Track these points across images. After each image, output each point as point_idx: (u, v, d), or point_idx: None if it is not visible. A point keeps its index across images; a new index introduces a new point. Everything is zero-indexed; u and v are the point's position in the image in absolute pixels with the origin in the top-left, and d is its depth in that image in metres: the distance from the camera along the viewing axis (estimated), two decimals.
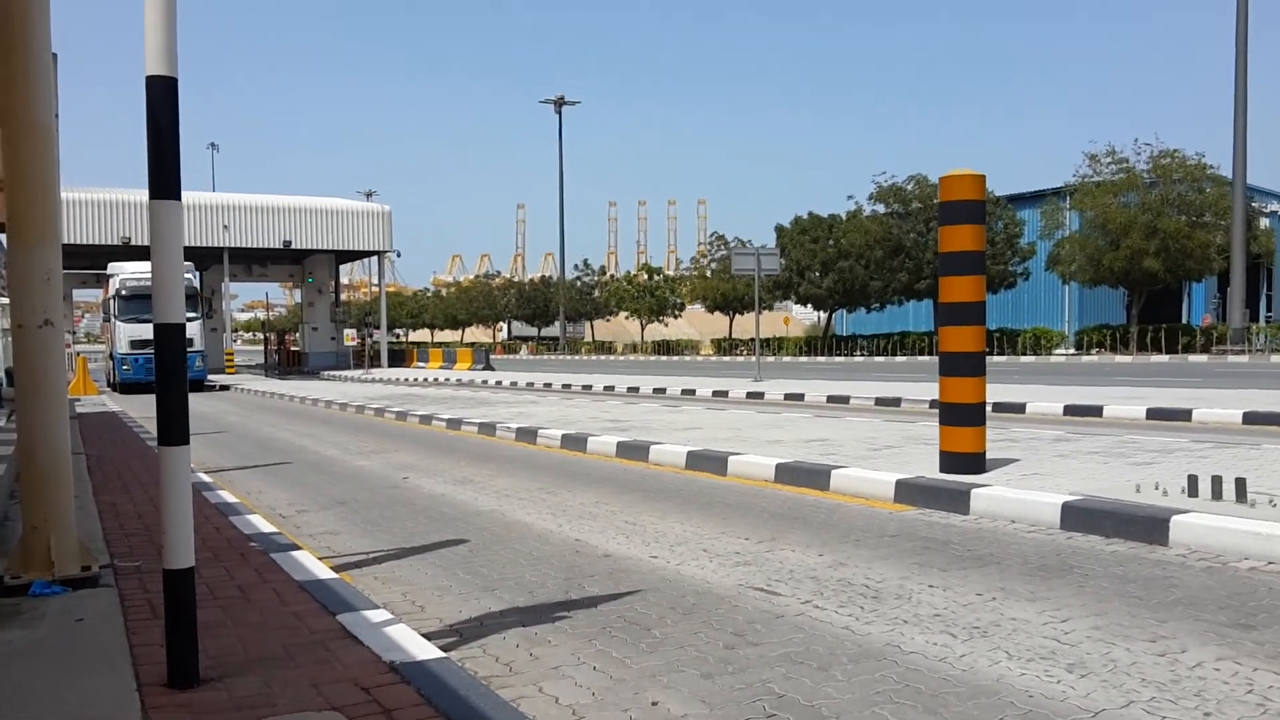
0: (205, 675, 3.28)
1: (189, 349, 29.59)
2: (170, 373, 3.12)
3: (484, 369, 38.88)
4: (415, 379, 33.31)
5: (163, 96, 3.05)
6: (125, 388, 29.42)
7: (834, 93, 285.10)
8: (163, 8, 3.05)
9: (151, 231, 3.07)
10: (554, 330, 74.89)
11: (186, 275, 30.16)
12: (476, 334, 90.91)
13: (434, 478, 9.04)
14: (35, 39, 4.29)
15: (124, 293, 29.90)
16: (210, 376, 35.05)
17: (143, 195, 38.25)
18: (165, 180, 3.05)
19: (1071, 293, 48.63)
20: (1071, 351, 40.45)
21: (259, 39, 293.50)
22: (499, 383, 28.06)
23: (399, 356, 49.83)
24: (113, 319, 30.45)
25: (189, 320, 29.75)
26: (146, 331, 26.40)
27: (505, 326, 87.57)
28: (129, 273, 30.37)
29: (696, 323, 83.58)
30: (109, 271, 31.87)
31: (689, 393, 20.20)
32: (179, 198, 3.10)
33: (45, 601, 4.27)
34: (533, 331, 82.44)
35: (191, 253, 33.55)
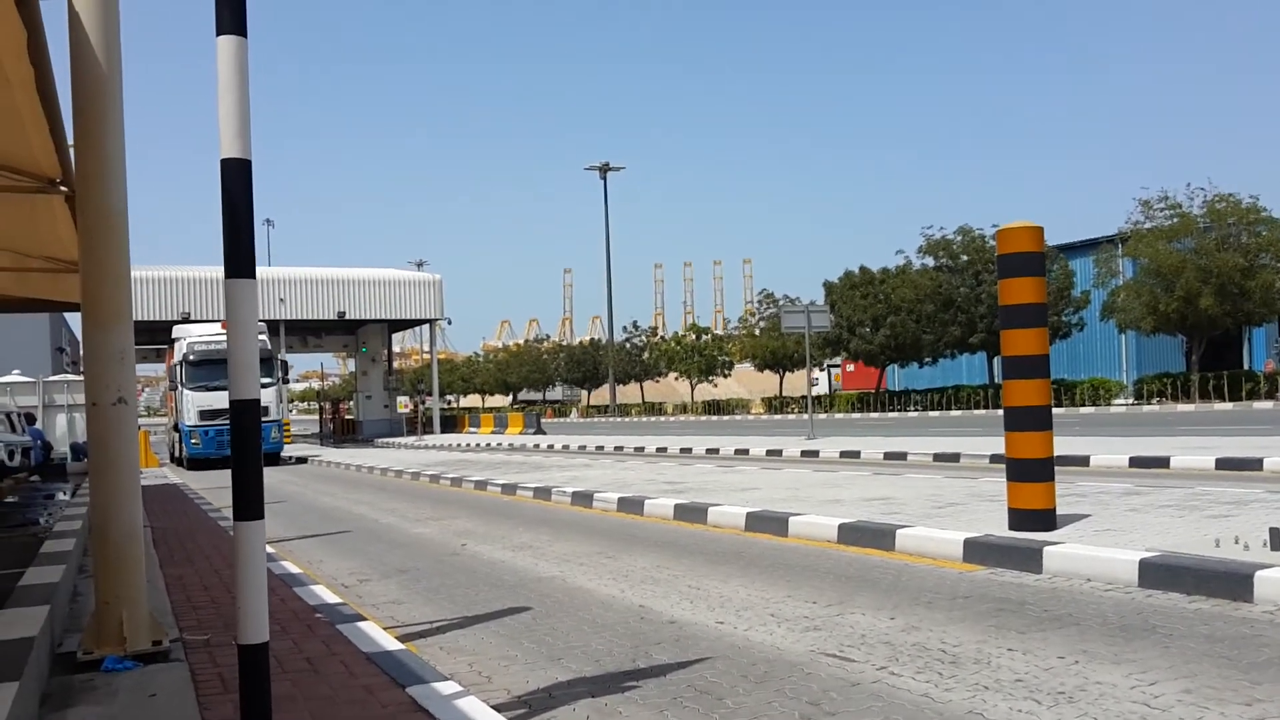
0: None
1: (264, 419, 30.00)
2: (245, 447, 3.15)
3: (535, 433, 38.98)
4: (468, 444, 33.48)
5: (237, 178, 3.12)
6: (195, 463, 26.68)
7: (879, 146, 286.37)
8: (236, 94, 3.14)
9: (228, 309, 3.13)
10: (604, 393, 75.04)
11: (261, 337, 26.32)
12: (527, 397, 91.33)
13: (492, 544, 9.02)
14: (110, 132, 4.43)
15: (192, 358, 27.17)
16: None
17: (201, 271, 39.27)
18: (241, 259, 3.12)
19: (1129, 341, 47.78)
20: (1131, 401, 39.63)
21: (309, 113, 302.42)
22: (550, 446, 28.10)
23: (451, 422, 50.17)
24: (179, 387, 27.77)
25: (264, 387, 26.74)
26: (218, 401, 25.07)
27: (552, 386, 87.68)
28: (196, 336, 27.84)
29: (746, 381, 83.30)
30: (174, 335, 29.42)
31: (742, 452, 20.06)
32: (254, 276, 3.16)
33: (118, 677, 4.29)
34: (580, 394, 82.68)
35: None
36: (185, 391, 27.19)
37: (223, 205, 3.16)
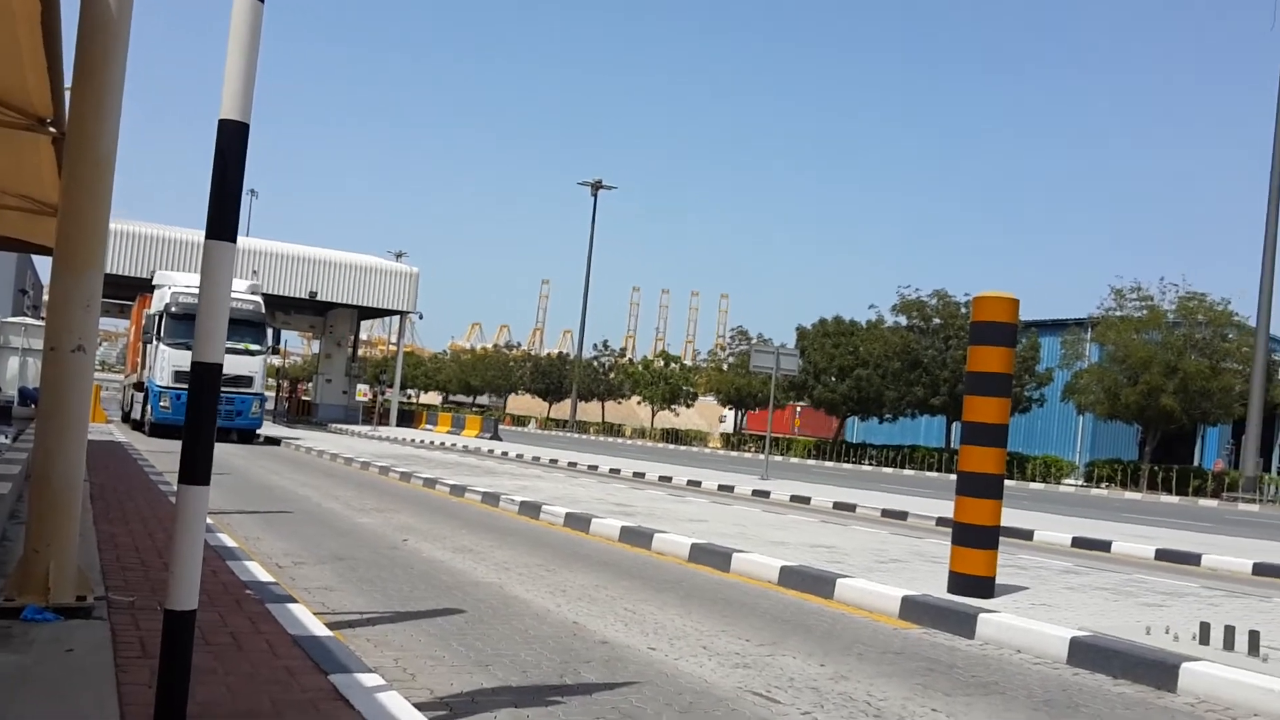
0: None
1: (248, 390, 24.45)
2: (202, 412, 3.12)
3: (491, 438, 38.79)
4: (422, 440, 33.25)
5: (233, 140, 3.11)
6: (159, 430, 23.21)
7: (864, 199, 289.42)
8: (245, 54, 3.13)
9: (204, 271, 3.11)
10: (565, 407, 74.95)
11: (253, 298, 25.46)
12: (487, 402, 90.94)
13: (434, 543, 8.95)
14: (111, 76, 4.40)
15: (174, 309, 23.56)
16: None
17: (175, 231, 38.84)
18: (225, 222, 3.09)
19: (1085, 424, 48.41)
20: (1081, 482, 40.12)
21: (299, 89, 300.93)
22: (505, 453, 27.97)
23: (408, 417, 49.81)
24: (154, 341, 24.15)
25: (252, 354, 24.58)
26: None
27: (516, 393, 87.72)
28: (182, 286, 24.20)
29: (707, 414, 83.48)
30: (155, 283, 26.32)
31: (695, 484, 20.07)
32: (235, 240, 3.14)
33: (36, 627, 4.21)
34: (542, 405, 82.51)
35: None
36: (162, 347, 23.57)
37: (214, 166, 3.14)
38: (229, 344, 27.17)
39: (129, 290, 37.24)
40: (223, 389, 27.69)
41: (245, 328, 24.01)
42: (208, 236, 3.12)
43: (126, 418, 30.17)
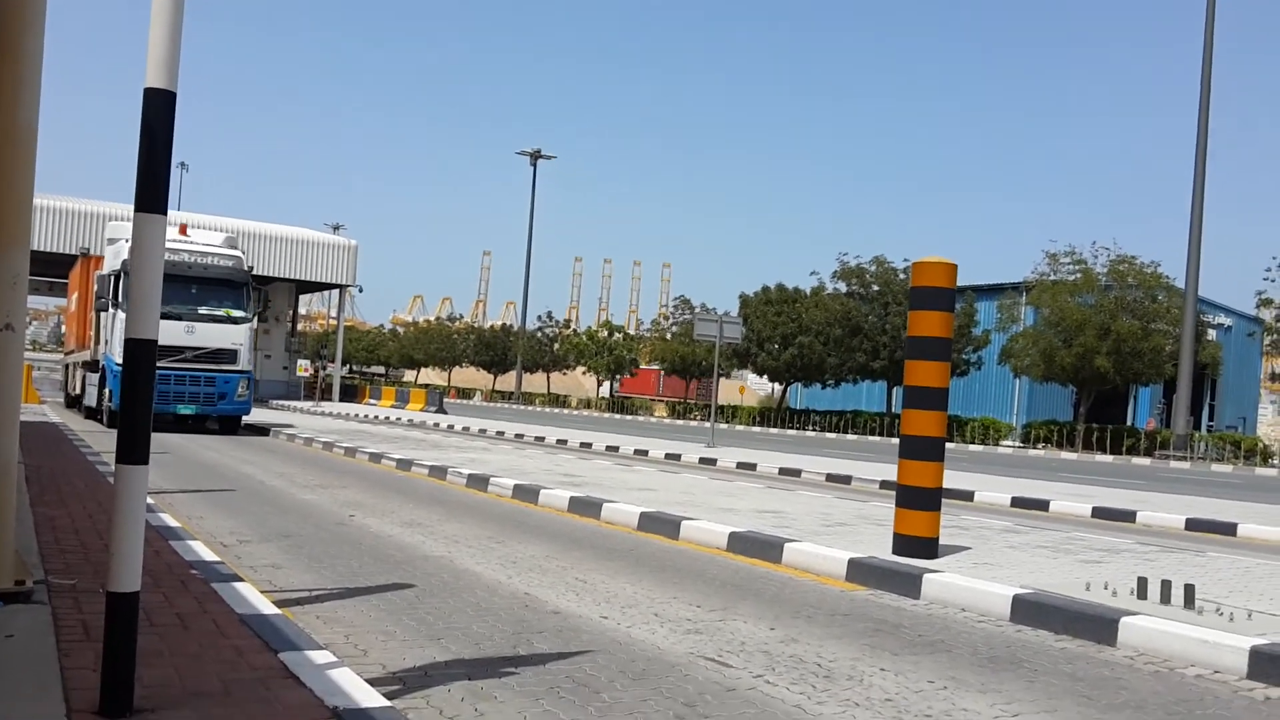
0: (138, 705, 3.14)
1: (231, 367, 19.67)
2: (136, 386, 3.04)
3: (437, 411, 38.56)
4: (366, 415, 32.92)
5: (161, 111, 3.01)
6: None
7: (803, 168, 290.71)
8: (169, 21, 3.03)
9: (134, 245, 3.02)
10: (509, 379, 74.67)
11: (232, 253, 20.69)
12: (430, 376, 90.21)
13: (382, 518, 8.88)
14: (29, 41, 4.23)
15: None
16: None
17: (103, 206, 37.79)
18: (154, 194, 3.00)
19: (1022, 386, 49.37)
20: (1018, 444, 40.97)
21: (233, 60, 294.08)
22: (451, 426, 27.81)
23: (351, 392, 49.28)
24: (111, 308, 19.10)
25: (235, 321, 19.91)
26: (173, 334, 18.59)
27: (460, 366, 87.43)
28: None
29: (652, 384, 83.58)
30: (110, 236, 21.89)
31: (642, 453, 20.13)
32: (165, 212, 3.05)
33: None
34: (487, 378, 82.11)
35: None
36: (122, 315, 17.85)
37: (141, 136, 3.04)
38: (205, 311, 19.70)
39: (57, 267, 36.26)
40: (200, 367, 19.68)
41: (224, 290, 19.94)
42: (137, 209, 3.03)
43: (73, 403, 26.13)
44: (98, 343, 21.24)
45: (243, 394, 20.01)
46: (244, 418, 20.86)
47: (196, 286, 19.50)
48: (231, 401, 19.80)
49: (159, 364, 15.75)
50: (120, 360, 16.20)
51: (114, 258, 19.98)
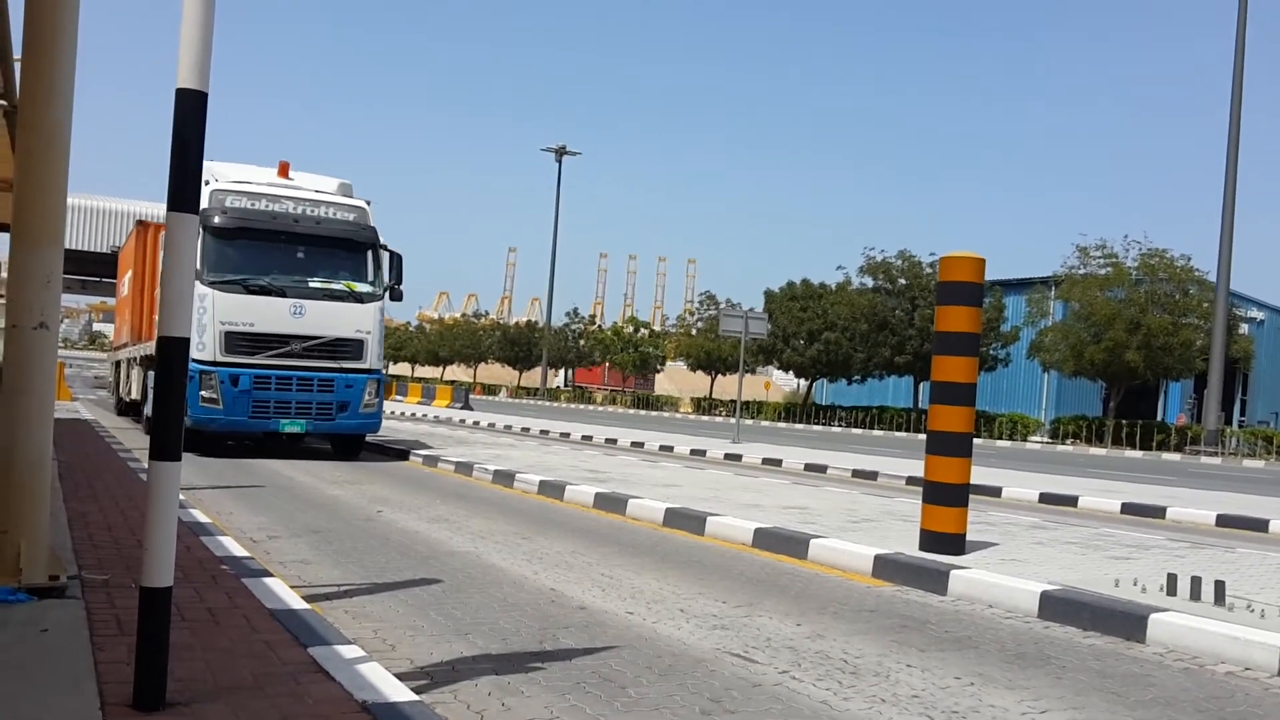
0: (171, 699, 3.19)
1: (351, 364, 13.83)
2: (171, 387, 3.08)
3: (463, 408, 38.69)
4: (392, 412, 33.10)
5: (192, 110, 3.05)
6: (200, 437, 13.44)
7: (829, 162, 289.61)
8: (200, 21, 3.06)
9: (167, 244, 3.06)
10: (535, 375, 75.02)
11: (353, 203, 14.25)
12: (457, 373, 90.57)
13: (408, 513, 8.94)
14: (62, 45, 4.29)
15: (220, 220, 13.39)
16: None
17: (135, 205, 38.13)
18: (186, 193, 3.04)
19: (1050, 381, 48.98)
20: (1046, 440, 40.63)
21: (259, 55, 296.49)
22: (476, 423, 27.92)
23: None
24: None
25: (358, 299, 13.94)
26: (274, 315, 13.41)
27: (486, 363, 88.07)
28: (232, 180, 13.92)
29: (677, 380, 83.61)
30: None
31: (667, 449, 20.14)
32: (198, 212, 3.09)
33: (10, 609, 4.17)
34: (512, 374, 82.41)
35: None
36: (203, 290, 12.99)
37: (173, 137, 3.08)
38: (318, 284, 13.96)
39: (91, 266, 36.64)
40: (313, 365, 13.81)
41: (343, 254, 14.21)
42: (170, 209, 3.07)
43: (127, 409, 20.78)
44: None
45: (371, 404, 14.11)
46: (368, 435, 15.09)
47: (305, 249, 13.93)
48: (355, 415, 13.94)
49: (259, 361, 13.11)
50: (204, 356, 12.78)
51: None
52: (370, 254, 14.39)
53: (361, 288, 14.15)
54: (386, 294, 14.39)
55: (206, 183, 12.94)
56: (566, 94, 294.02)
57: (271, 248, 13.73)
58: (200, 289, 12.68)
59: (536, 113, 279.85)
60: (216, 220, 13.30)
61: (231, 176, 14.08)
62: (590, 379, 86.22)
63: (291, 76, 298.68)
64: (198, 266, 12.26)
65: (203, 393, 12.97)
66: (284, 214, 13.69)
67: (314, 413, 13.67)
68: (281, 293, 13.45)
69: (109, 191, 48.01)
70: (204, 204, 12.74)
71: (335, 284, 13.97)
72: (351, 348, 13.95)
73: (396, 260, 14.52)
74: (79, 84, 4.42)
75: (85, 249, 36.71)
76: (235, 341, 13.19)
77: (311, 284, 13.76)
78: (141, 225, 19.56)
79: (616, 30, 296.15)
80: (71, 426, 15.92)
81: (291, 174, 14.66)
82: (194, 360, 12.18)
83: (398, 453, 15.48)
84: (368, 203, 14.73)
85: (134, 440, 14.24)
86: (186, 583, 4.98)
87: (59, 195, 4.46)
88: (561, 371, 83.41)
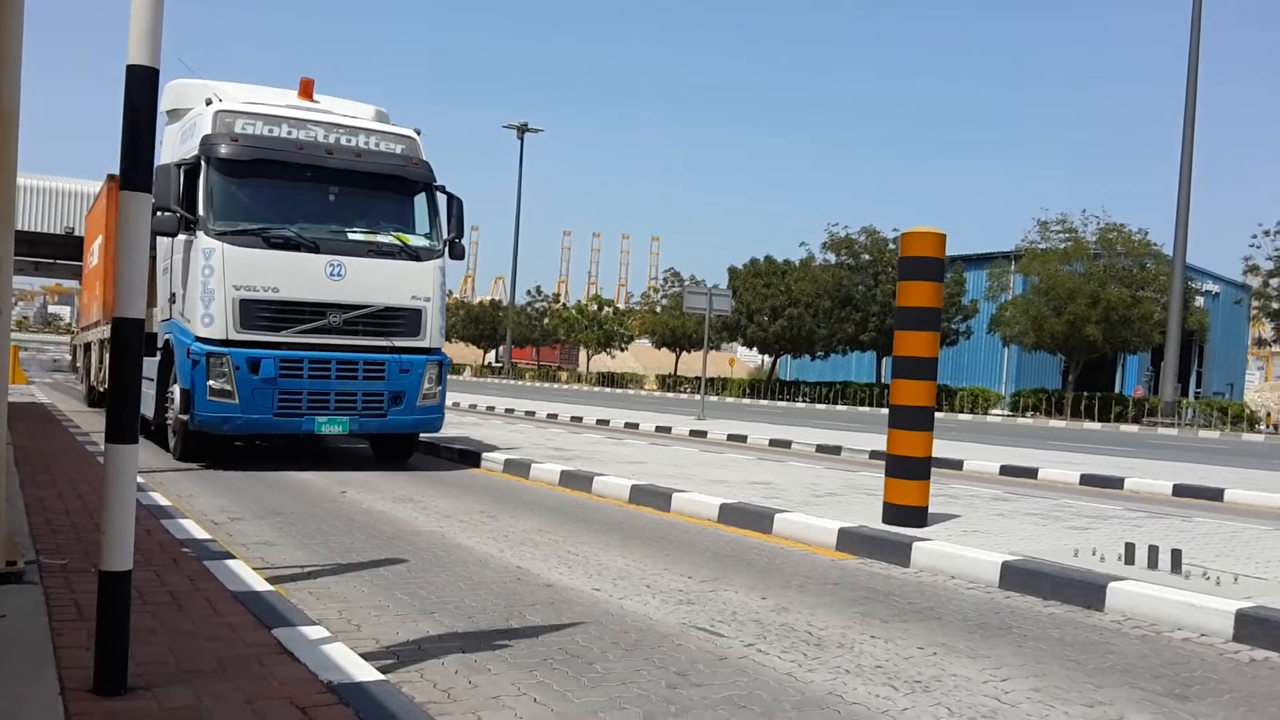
0: (133, 683, 3.16)
1: (406, 341, 10.66)
2: (126, 368, 3.03)
3: None
4: None
5: (143, 87, 2.99)
6: (204, 441, 10.31)
7: (791, 139, 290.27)
8: None
9: (120, 223, 3.00)
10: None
11: (400, 131, 11.14)
12: None
13: (373, 494, 8.89)
14: (9, 24, 4.17)
15: (227, 151, 10.04)
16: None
17: (89, 185, 37.43)
18: (138, 172, 2.98)
19: (1011, 355, 49.59)
20: (1007, 412, 41.16)
21: (226, 39, 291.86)
22: None
23: None
24: (176, 230, 9.92)
25: (414, 255, 10.69)
26: (301, 275, 10.11)
27: (449, 343, 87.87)
28: (242, 102, 10.71)
29: (642, 357, 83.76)
30: (170, 105, 11.67)
31: (632, 426, 20.18)
32: (150, 191, 3.03)
33: None
34: (476, 353, 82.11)
35: None
36: (205, 245, 9.88)
37: (124, 115, 3.02)
38: (358, 237, 10.61)
39: (44, 248, 35.94)
40: (356, 344, 10.60)
41: (387, 194, 11.08)
42: (123, 188, 3.01)
43: (100, 399, 16.96)
44: (173, 300, 10.82)
45: (431, 394, 10.83)
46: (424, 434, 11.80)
47: (340, 190, 10.74)
48: (412, 409, 10.71)
49: (285, 340, 9.84)
50: (213, 333, 9.74)
51: (183, 137, 11.01)
52: (425, 196, 11.12)
53: (417, 241, 10.83)
54: (446, 249, 11.02)
55: (209, 102, 10.49)
56: (528, 71, 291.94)
57: (297, 187, 10.52)
58: (205, 241, 9.83)
59: (498, 90, 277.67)
60: (224, 150, 10.03)
61: (241, 97, 10.92)
62: (523, 356, 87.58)
63: (250, 57, 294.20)
64: (200, 212, 9.88)
65: (211, 383, 9.73)
66: (313, 143, 10.43)
67: (359, 407, 10.38)
68: (314, 247, 10.17)
69: (66, 173, 47.05)
70: (207, 128, 10.16)
71: (383, 235, 10.69)
72: (407, 319, 10.65)
73: (457, 205, 11.11)
74: (31, 65, 4.31)
75: (38, 230, 36.01)
76: (253, 312, 9.91)
77: (351, 236, 10.50)
78: (114, 180, 15.13)
79: (579, 5, 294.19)
80: (27, 410, 15.66)
81: (316, 96, 11.42)
82: (199, 340, 9.81)
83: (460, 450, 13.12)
84: (417, 131, 11.38)
85: (91, 424, 14.03)
86: (147, 566, 4.92)
87: (8, 179, 4.35)
88: (495, 350, 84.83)
